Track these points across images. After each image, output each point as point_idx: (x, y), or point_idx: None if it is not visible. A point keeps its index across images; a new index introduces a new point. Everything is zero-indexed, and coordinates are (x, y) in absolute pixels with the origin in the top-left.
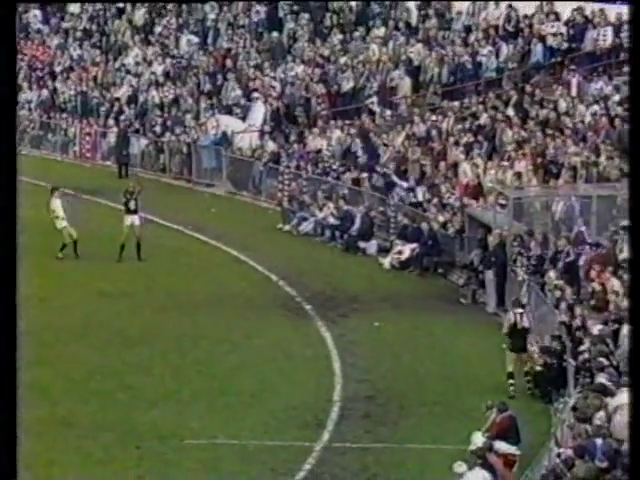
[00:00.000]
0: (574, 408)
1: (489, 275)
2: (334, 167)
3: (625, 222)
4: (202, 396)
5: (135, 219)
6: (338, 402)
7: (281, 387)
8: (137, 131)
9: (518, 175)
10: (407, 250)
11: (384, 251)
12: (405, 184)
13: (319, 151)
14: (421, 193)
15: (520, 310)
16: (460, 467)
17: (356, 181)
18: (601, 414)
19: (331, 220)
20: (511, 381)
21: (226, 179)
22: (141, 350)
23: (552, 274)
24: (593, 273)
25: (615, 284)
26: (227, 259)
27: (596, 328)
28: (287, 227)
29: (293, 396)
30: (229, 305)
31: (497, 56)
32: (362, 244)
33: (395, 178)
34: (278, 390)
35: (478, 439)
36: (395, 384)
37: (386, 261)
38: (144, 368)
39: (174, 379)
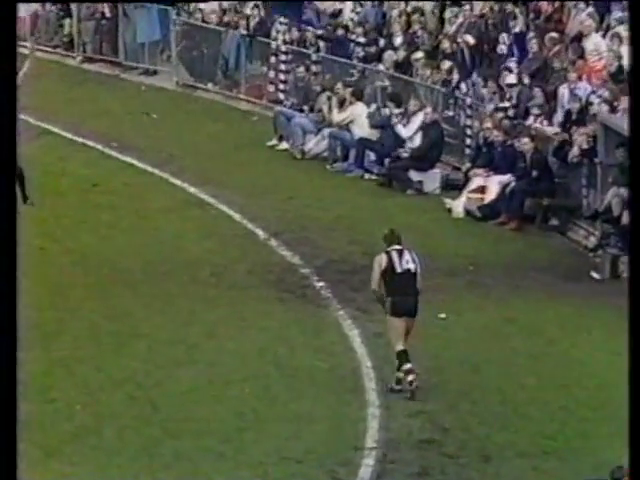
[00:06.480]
0: None
1: None
2: (361, 40)
3: None
4: (128, 434)
5: None
6: (373, 450)
7: (272, 424)
8: None
9: None
10: (494, 185)
11: (454, 187)
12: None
13: (335, 14)
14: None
15: (398, 247)
16: None
17: (398, 65)
18: None
19: (359, 132)
20: (407, 366)
21: (177, 61)
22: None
23: None
24: None
25: None
26: (178, 200)
27: None
28: (284, 144)
29: (293, 440)
30: (181, 280)
31: None
32: (413, 174)
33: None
34: (267, 429)
35: None
36: (475, 419)
37: (458, 204)
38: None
39: (86, 409)
